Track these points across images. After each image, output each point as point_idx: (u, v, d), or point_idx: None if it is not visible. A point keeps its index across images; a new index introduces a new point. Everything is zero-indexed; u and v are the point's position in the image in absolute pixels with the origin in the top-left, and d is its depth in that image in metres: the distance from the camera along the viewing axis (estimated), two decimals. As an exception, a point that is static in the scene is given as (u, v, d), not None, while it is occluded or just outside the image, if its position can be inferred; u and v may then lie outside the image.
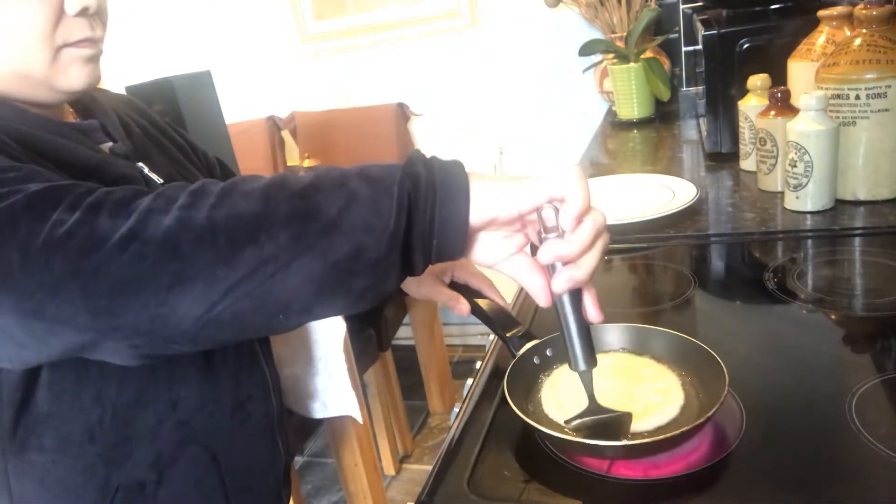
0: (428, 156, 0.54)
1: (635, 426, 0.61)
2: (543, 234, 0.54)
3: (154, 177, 0.74)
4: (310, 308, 0.51)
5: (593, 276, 0.56)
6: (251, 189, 0.50)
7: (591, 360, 0.58)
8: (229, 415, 0.77)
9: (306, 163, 1.69)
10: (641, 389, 0.66)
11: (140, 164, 0.74)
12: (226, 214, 0.49)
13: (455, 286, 0.85)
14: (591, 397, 0.61)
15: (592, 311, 0.58)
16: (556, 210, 0.53)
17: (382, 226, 0.49)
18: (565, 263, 0.54)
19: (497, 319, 0.79)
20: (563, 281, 0.55)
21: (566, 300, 0.57)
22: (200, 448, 0.74)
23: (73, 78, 0.65)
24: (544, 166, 0.57)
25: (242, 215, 0.49)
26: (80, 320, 0.49)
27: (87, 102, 0.76)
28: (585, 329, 0.58)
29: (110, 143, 0.73)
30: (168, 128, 0.88)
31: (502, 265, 0.57)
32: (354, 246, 0.49)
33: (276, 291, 0.49)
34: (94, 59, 0.67)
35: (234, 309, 0.49)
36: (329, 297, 0.51)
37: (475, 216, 0.52)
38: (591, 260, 0.55)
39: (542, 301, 0.57)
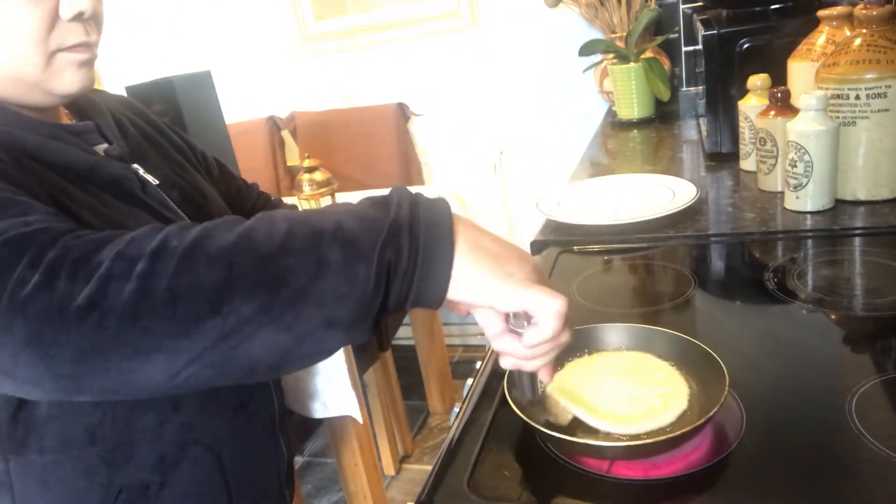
0: (413, 197, 0.52)
1: (634, 428, 0.61)
2: (512, 321, 0.56)
3: (149, 178, 0.74)
4: (278, 369, 0.51)
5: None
6: (216, 252, 0.48)
7: (534, 395, 0.63)
8: (232, 415, 0.77)
9: (306, 163, 1.69)
10: (645, 392, 0.65)
11: (135, 165, 0.74)
12: (186, 284, 0.47)
13: None
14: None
15: (545, 376, 0.61)
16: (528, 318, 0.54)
17: (356, 296, 0.48)
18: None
19: None
20: (508, 364, 0.58)
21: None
22: (203, 449, 0.74)
23: (67, 82, 0.65)
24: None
25: (203, 286, 0.47)
26: (46, 385, 0.48)
27: (83, 104, 0.76)
28: (532, 378, 0.62)
29: (105, 145, 0.73)
30: (166, 128, 0.88)
31: (474, 312, 0.57)
32: (325, 317, 0.48)
33: (241, 359, 0.48)
34: (88, 63, 0.67)
35: (198, 375, 0.48)
36: (297, 359, 0.50)
37: (452, 295, 0.51)
38: (542, 361, 0.57)
39: (504, 364, 0.59)
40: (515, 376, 0.63)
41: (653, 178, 1.31)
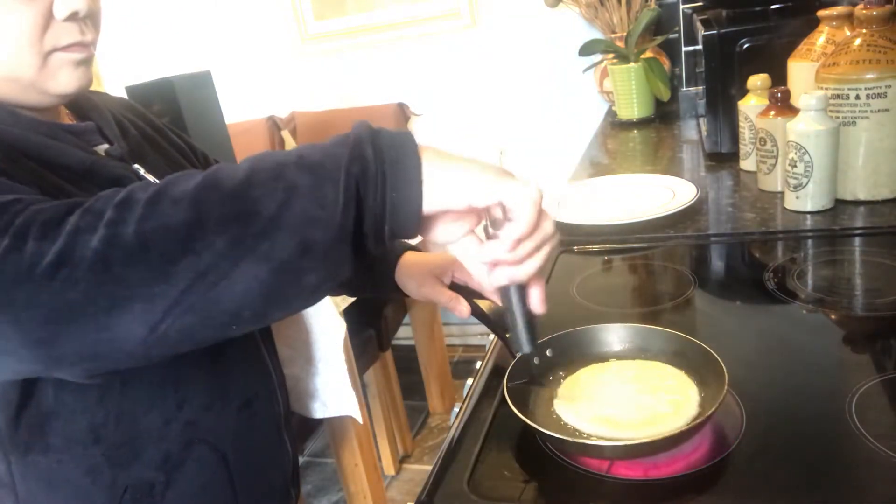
0: (375, 127, 0.51)
1: (638, 433, 0.61)
2: (491, 229, 0.54)
3: (150, 178, 0.74)
4: (263, 312, 0.49)
5: (540, 272, 0.56)
6: (181, 193, 0.47)
7: (533, 345, 0.59)
8: (236, 414, 0.77)
9: (306, 163, 1.69)
10: (655, 399, 0.65)
11: (136, 165, 0.74)
12: (154, 226, 0.46)
13: (455, 287, 0.85)
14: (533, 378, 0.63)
15: (536, 303, 0.58)
16: (504, 212, 0.52)
17: (328, 217, 0.47)
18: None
19: (497, 320, 0.79)
20: (501, 278, 0.54)
21: (511, 289, 0.57)
22: (208, 448, 0.74)
23: (63, 82, 0.65)
24: (541, 176, 0.58)
25: (172, 225, 0.45)
26: (21, 353, 0.47)
27: (83, 104, 0.76)
28: (529, 317, 0.58)
29: (106, 145, 0.73)
30: (167, 130, 0.88)
31: (452, 246, 0.55)
32: (299, 242, 0.46)
33: (222, 301, 0.46)
34: (84, 63, 0.66)
35: (179, 325, 0.47)
36: (280, 298, 0.49)
37: (428, 204, 0.50)
38: (532, 263, 0.54)
39: (484, 287, 0.55)
40: (510, 323, 0.59)
41: (653, 179, 1.31)
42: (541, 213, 0.52)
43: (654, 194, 1.22)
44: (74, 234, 0.46)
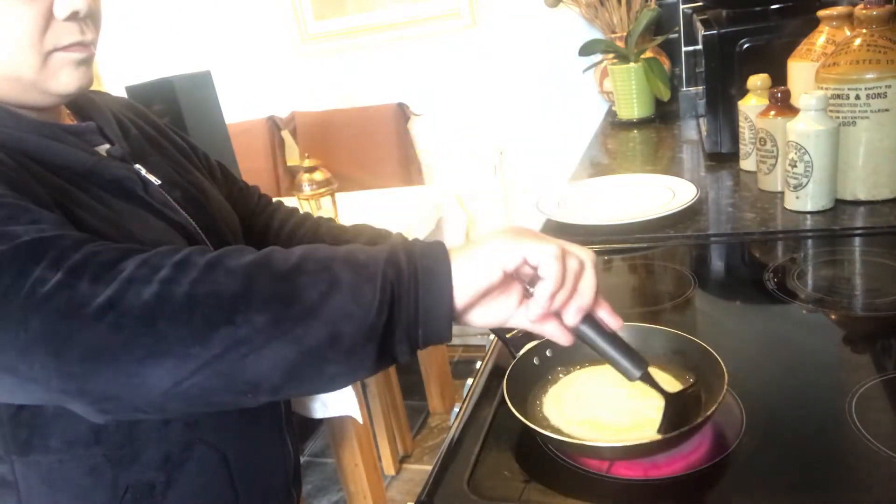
0: (410, 239, 0.55)
1: (621, 437, 0.61)
2: (529, 288, 0.56)
3: (151, 178, 0.74)
4: (279, 389, 0.51)
5: (599, 293, 0.58)
6: (235, 266, 0.50)
7: (640, 365, 0.59)
8: (238, 414, 0.77)
9: (306, 163, 1.69)
10: (643, 404, 0.65)
11: (137, 165, 0.74)
12: (206, 291, 0.48)
13: None
14: (663, 392, 0.61)
15: (611, 321, 0.60)
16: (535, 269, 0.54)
17: (362, 314, 0.50)
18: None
19: None
20: (572, 314, 0.56)
21: (584, 328, 0.58)
22: (209, 448, 0.74)
23: (64, 81, 0.65)
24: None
25: (222, 294, 0.48)
26: (52, 382, 0.49)
27: (84, 104, 0.76)
28: (618, 342, 0.59)
29: (107, 146, 0.73)
30: (168, 130, 0.88)
31: (512, 322, 0.57)
32: (331, 333, 0.49)
33: (247, 372, 0.49)
34: (85, 63, 0.66)
35: (203, 385, 0.49)
36: (299, 380, 0.51)
37: (461, 296, 0.52)
38: (588, 284, 0.56)
39: (564, 341, 0.58)
40: (608, 360, 0.60)
41: (653, 179, 1.31)
42: (567, 261, 0.54)
43: (654, 194, 1.22)
44: (128, 282, 0.48)
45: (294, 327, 0.48)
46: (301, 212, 1.01)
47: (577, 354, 0.74)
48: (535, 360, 0.73)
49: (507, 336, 0.77)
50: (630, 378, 0.59)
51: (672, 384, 0.67)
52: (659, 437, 0.58)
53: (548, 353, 0.74)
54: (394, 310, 0.51)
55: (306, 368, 0.50)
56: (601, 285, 0.58)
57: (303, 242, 0.93)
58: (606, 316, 0.60)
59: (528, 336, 0.76)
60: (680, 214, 1.11)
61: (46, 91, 0.65)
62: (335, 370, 0.51)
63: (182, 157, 0.85)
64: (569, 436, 0.62)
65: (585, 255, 0.57)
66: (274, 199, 1.04)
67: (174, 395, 0.49)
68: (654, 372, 0.69)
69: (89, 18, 0.65)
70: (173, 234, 0.71)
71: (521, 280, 0.56)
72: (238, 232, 0.86)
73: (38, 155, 0.64)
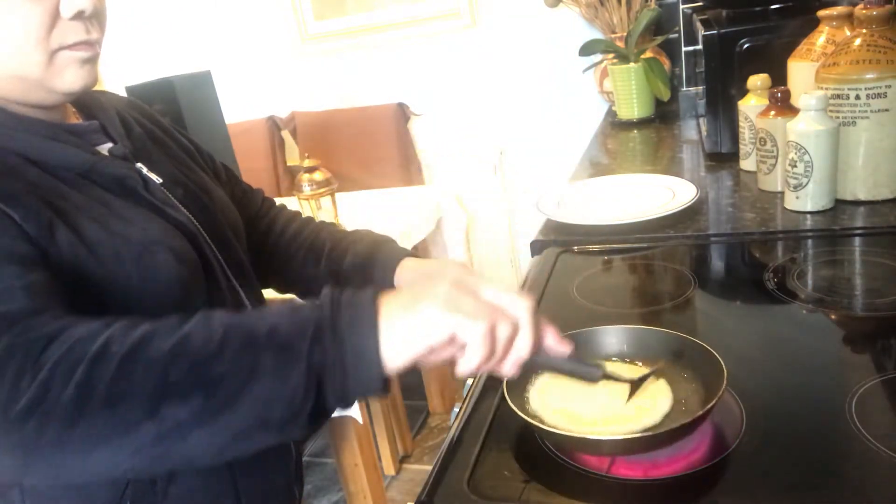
0: (337, 294, 0.54)
1: (593, 430, 0.61)
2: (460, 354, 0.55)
3: (153, 177, 0.74)
4: (217, 459, 0.52)
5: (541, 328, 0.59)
6: (154, 357, 0.49)
7: (595, 372, 0.62)
8: None
9: (306, 163, 1.69)
10: (623, 401, 0.65)
11: (139, 164, 0.74)
12: (124, 389, 0.48)
13: None
14: (627, 380, 0.65)
15: (559, 349, 0.62)
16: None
17: (288, 397, 0.50)
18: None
19: None
20: (509, 368, 0.57)
21: (533, 358, 0.58)
22: None
23: (69, 80, 0.65)
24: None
25: (141, 390, 0.48)
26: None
27: (89, 103, 0.77)
28: (567, 360, 0.63)
29: (110, 145, 0.74)
30: (173, 130, 0.89)
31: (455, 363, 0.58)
32: (258, 417, 0.50)
33: (178, 456, 0.50)
34: (90, 61, 0.67)
35: (141, 466, 0.50)
36: (234, 453, 0.52)
37: (389, 368, 0.52)
38: (524, 341, 0.55)
39: (510, 376, 0.58)
40: (567, 375, 0.64)
41: (653, 178, 1.31)
42: (497, 334, 0.53)
43: (654, 194, 1.22)
44: (46, 385, 0.48)
45: (219, 416, 0.49)
46: (303, 215, 1.01)
47: (577, 350, 0.74)
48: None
49: None
50: (594, 381, 0.62)
51: (671, 384, 0.67)
52: (660, 430, 0.58)
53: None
54: (321, 388, 0.51)
55: (238, 445, 0.51)
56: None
57: (303, 247, 0.94)
58: (554, 344, 0.61)
59: None
60: (680, 214, 1.11)
61: (52, 89, 0.65)
62: (267, 440, 0.52)
63: (186, 157, 0.85)
64: (553, 426, 0.62)
65: (521, 312, 0.55)
66: (277, 202, 1.04)
67: (116, 474, 0.51)
68: (652, 379, 0.69)
69: (94, 18, 0.66)
70: (174, 232, 0.71)
71: (454, 345, 0.56)
72: (240, 232, 0.86)
73: (35, 156, 0.64)
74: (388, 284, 0.88)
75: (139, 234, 0.67)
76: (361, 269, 0.90)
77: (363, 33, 2.43)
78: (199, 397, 0.49)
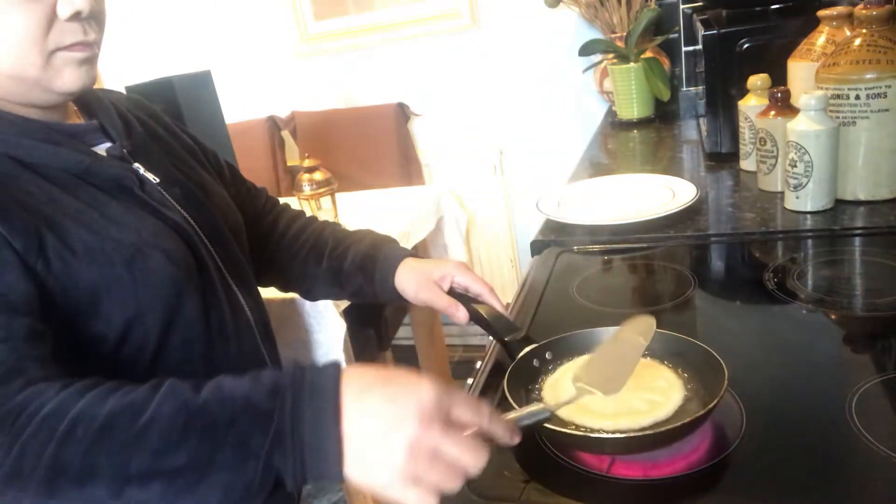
0: (299, 386, 0.53)
1: (633, 423, 0.61)
2: None
3: (150, 176, 0.74)
4: None
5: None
6: (118, 444, 0.51)
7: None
8: None
9: (306, 163, 1.69)
10: (634, 396, 0.65)
11: (136, 164, 0.74)
12: (90, 472, 0.50)
13: (454, 293, 0.85)
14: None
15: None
16: None
17: (246, 485, 0.51)
18: None
19: (496, 324, 0.80)
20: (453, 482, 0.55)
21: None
22: None
23: (67, 81, 0.66)
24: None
25: (105, 474, 0.50)
26: None
27: (90, 101, 0.77)
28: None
29: (108, 144, 0.74)
30: (177, 129, 0.89)
31: None
32: (216, 495, 0.51)
33: None
34: (88, 62, 0.67)
35: None
36: None
37: (350, 468, 0.51)
38: (474, 466, 0.52)
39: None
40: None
41: (653, 178, 1.31)
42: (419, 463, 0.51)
43: (654, 194, 1.22)
44: (20, 462, 0.50)
45: (180, 497, 0.51)
46: (307, 214, 1.01)
47: (577, 351, 0.74)
48: (535, 363, 0.73)
49: (506, 340, 0.77)
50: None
51: (669, 385, 0.67)
52: (659, 429, 0.58)
53: (547, 355, 0.74)
54: (279, 479, 0.52)
55: None
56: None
57: (306, 246, 0.94)
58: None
59: (526, 340, 0.76)
60: (680, 214, 1.11)
61: (50, 90, 0.65)
62: None
63: (188, 155, 0.86)
64: (560, 420, 0.62)
65: (487, 426, 0.54)
66: (280, 201, 1.04)
67: None
68: (650, 369, 0.69)
69: (92, 19, 0.66)
70: (168, 232, 0.71)
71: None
72: (240, 231, 0.87)
73: (29, 159, 0.65)
74: (389, 285, 0.88)
75: (131, 237, 0.67)
76: (362, 268, 0.90)
77: (363, 33, 2.43)
78: (159, 484, 0.50)
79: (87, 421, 0.51)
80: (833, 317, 0.82)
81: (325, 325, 1.45)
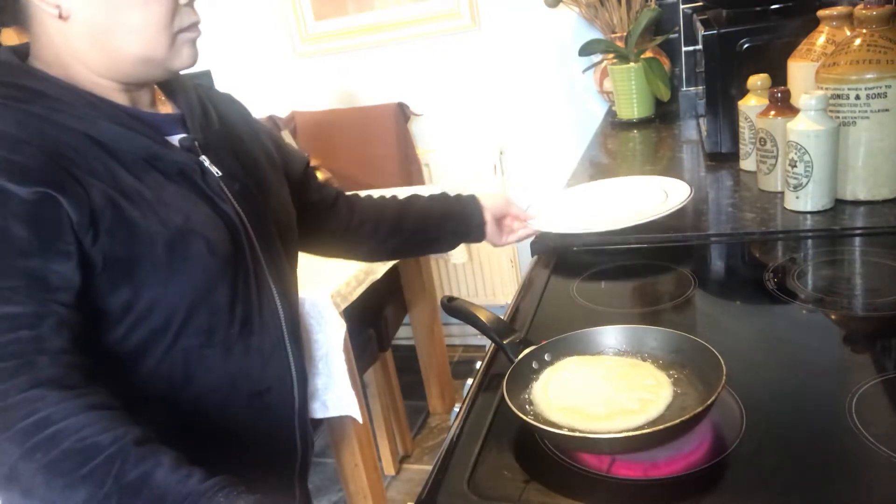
0: None
1: (628, 423, 0.61)
2: None
3: (213, 169, 0.79)
4: None
5: None
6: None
7: None
8: (246, 402, 0.80)
9: (306, 163, 1.69)
10: (625, 396, 0.65)
11: (203, 157, 0.78)
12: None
13: (452, 309, 0.91)
14: None
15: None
16: None
17: None
18: None
19: (494, 328, 0.80)
20: None
21: None
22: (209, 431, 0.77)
23: (185, 57, 0.74)
24: None
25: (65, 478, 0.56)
26: None
27: (175, 88, 0.83)
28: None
29: (184, 135, 0.78)
30: (262, 134, 0.94)
31: None
32: None
33: None
34: (196, 40, 0.76)
35: None
36: None
37: None
38: None
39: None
40: None
41: (646, 180, 1.27)
42: None
43: (653, 196, 1.20)
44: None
45: None
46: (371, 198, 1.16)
47: (576, 352, 0.74)
48: (534, 364, 0.73)
49: (505, 342, 0.77)
50: None
51: (657, 382, 0.67)
52: (659, 427, 0.58)
53: (546, 357, 0.74)
54: None
55: None
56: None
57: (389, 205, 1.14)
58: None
59: (525, 342, 0.76)
60: (678, 215, 1.11)
61: (170, 68, 0.74)
62: None
63: (262, 157, 0.90)
64: (557, 425, 0.63)
65: None
66: (351, 195, 1.15)
67: None
68: (638, 369, 0.69)
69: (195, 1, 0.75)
70: (217, 222, 0.75)
71: None
72: (289, 232, 0.90)
73: (103, 138, 0.70)
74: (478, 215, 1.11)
75: (179, 220, 0.71)
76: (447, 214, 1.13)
77: (363, 33, 2.43)
78: None
79: (46, 448, 0.56)
80: (833, 317, 0.82)
81: (325, 325, 1.46)
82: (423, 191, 2.19)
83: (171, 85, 0.83)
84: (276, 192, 0.89)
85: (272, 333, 0.81)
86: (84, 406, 0.59)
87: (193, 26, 0.74)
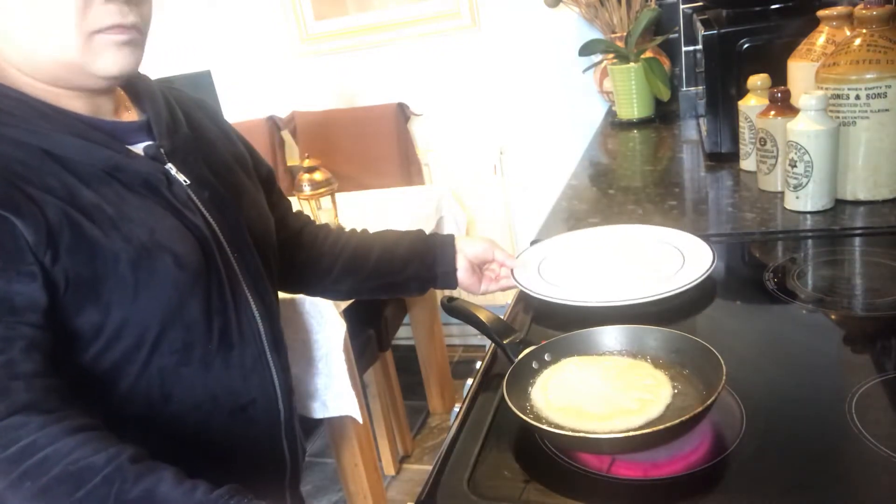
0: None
1: (627, 423, 0.61)
2: None
3: (181, 178, 0.75)
4: None
5: None
6: None
7: None
8: (228, 417, 0.77)
9: (306, 163, 1.69)
10: (624, 396, 0.65)
11: (168, 165, 0.74)
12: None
13: (452, 309, 0.92)
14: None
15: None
16: None
17: None
18: None
19: (494, 328, 0.80)
20: None
21: None
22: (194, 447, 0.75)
23: (108, 63, 0.67)
24: None
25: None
26: None
27: (141, 92, 0.78)
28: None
29: (147, 143, 0.75)
30: (236, 138, 0.91)
31: None
32: None
33: None
34: (129, 45, 0.69)
35: None
36: None
37: None
38: None
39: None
40: None
41: (654, 232, 1.05)
42: None
43: (660, 256, 0.97)
44: None
45: None
46: (335, 228, 1.06)
47: (576, 352, 0.74)
48: (534, 364, 0.73)
49: (505, 343, 0.77)
50: None
51: (657, 382, 0.67)
52: (659, 426, 0.58)
53: (546, 357, 0.74)
54: None
55: None
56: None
57: (352, 241, 1.02)
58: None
59: (524, 343, 0.76)
60: (679, 215, 1.11)
61: (92, 73, 0.67)
62: None
63: (233, 162, 0.86)
64: (556, 425, 0.63)
65: None
66: (315, 223, 1.07)
67: None
68: (637, 369, 0.69)
69: (133, 3, 0.67)
70: (184, 234, 0.72)
71: None
72: (267, 240, 0.87)
73: (58, 151, 0.66)
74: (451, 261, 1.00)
75: (143, 236, 0.67)
76: (416, 253, 1.02)
77: (363, 33, 2.43)
78: None
79: (35, 475, 0.54)
80: (833, 317, 0.82)
81: (325, 326, 1.45)
82: (423, 191, 2.20)
83: (136, 89, 0.78)
84: (251, 198, 0.85)
85: (252, 345, 0.78)
86: (69, 429, 0.56)
87: (117, 28, 0.66)
